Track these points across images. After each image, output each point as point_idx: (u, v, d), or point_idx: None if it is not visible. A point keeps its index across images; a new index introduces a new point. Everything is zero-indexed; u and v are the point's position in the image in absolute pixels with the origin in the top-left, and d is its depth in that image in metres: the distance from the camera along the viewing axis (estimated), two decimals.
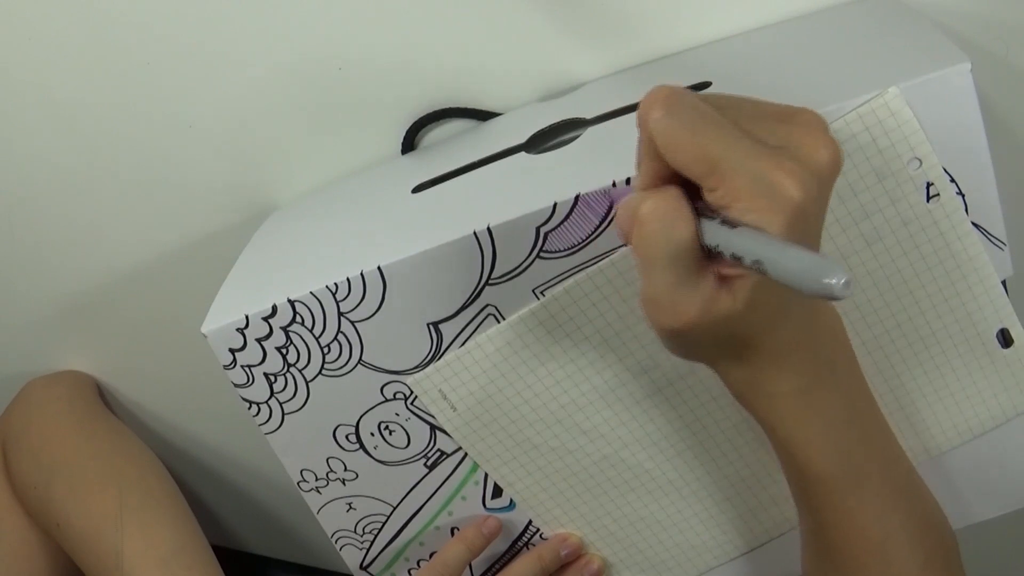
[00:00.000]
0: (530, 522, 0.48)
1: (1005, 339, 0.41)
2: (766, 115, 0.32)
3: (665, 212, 0.30)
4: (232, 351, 0.43)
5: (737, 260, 0.29)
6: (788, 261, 0.27)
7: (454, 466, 0.47)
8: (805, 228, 0.30)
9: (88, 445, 0.57)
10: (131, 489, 0.55)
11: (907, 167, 0.38)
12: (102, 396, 0.62)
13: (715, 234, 0.30)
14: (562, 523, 0.47)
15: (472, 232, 0.40)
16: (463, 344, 0.43)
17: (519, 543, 0.49)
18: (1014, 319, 0.41)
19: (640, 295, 0.33)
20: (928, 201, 0.38)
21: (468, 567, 0.49)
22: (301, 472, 0.47)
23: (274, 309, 0.42)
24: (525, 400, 0.44)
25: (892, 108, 0.37)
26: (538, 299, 0.42)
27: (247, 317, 0.43)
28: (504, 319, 0.42)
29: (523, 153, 0.47)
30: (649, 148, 0.31)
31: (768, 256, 0.28)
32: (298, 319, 0.43)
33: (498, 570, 0.49)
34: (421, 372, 0.44)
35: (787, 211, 0.29)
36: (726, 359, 0.34)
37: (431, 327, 0.43)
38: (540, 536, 0.48)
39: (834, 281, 0.26)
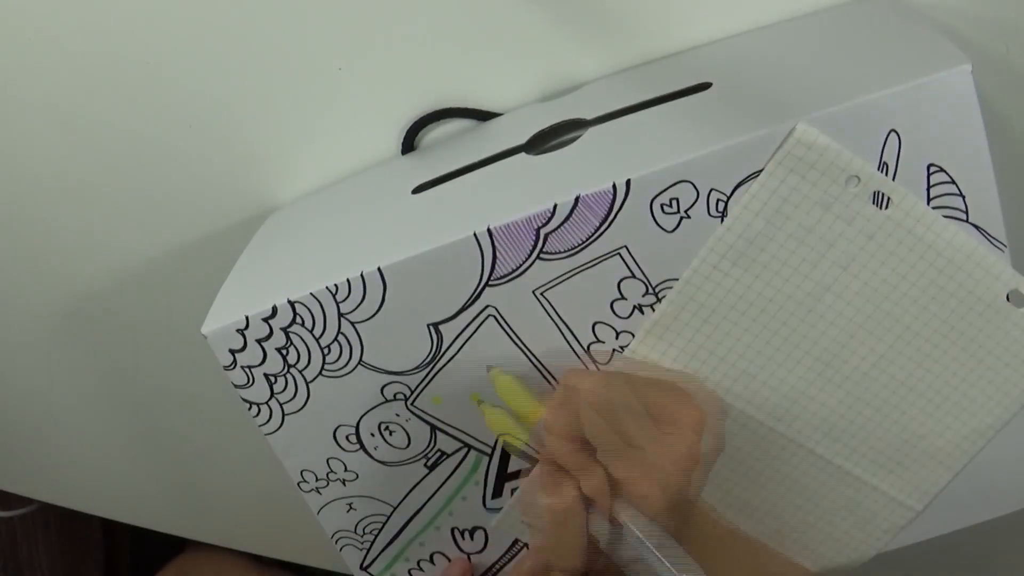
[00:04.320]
0: None
1: (1018, 301, 0.41)
2: (655, 403, 0.40)
3: (568, 507, 0.38)
4: (232, 352, 0.43)
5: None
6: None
7: (454, 466, 0.47)
8: (679, 504, 0.38)
9: None
10: None
11: (847, 188, 0.38)
12: None
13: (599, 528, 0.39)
14: None
15: (472, 233, 0.40)
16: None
17: (518, 543, 0.49)
18: (1020, 278, 0.41)
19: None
20: (883, 209, 0.39)
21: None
22: (301, 473, 0.47)
23: (274, 310, 0.42)
24: None
25: (806, 142, 0.38)
26: (538, 301, 0.42)
27: (247, 318, 0.43)
28: (505, 321, 0.42)
29: (523, 154, 0.47)
30: (568, 419, 0.39)
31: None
32: (298, 320, 0.43)
33: (498, 570, 0.50)
34: (500, 516, 0.47)
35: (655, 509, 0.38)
36: None
37: (431, 328, 0.43)
38: None
39: None
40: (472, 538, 0.49)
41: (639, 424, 0.39)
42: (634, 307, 0.42)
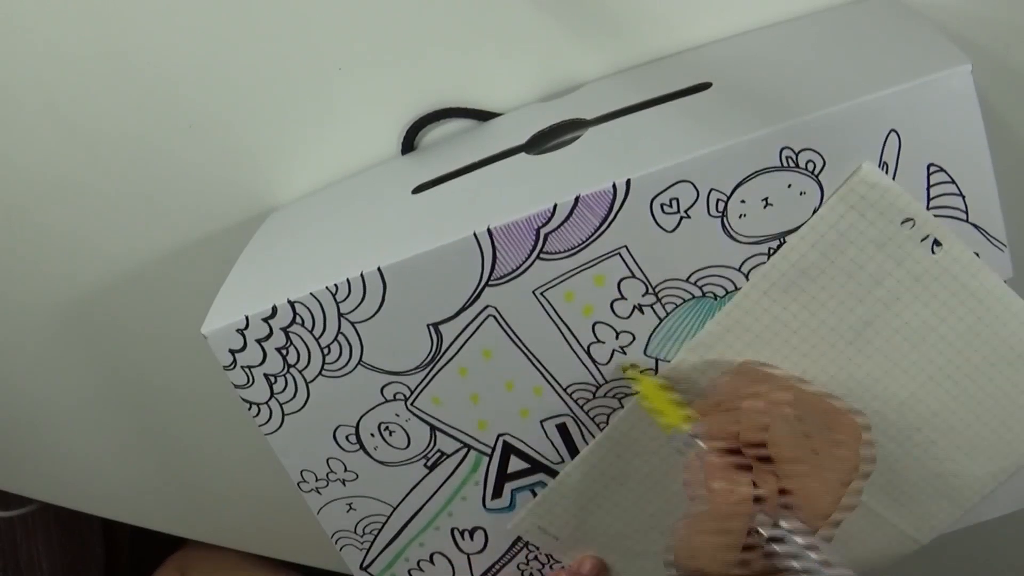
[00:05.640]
0: None
1: None
2: (821, 416, 0.40)
3: (742, 500, 0.37)
4: (232, 352, 0.43)
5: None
6: None
7: (454, 466, 0.47)
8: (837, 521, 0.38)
9: None
10: None
11: (901, 229, 0.39)
12: None
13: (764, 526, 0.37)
14: None
15: (472, 233, 0.40)
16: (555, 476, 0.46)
17: (518, 543, 0.49)
18: None
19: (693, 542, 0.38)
20: (933, 253, 0.39)
21: (468, 568, 0.49)
22: (301, 473, 0.47)
23: (274, 310, 0.42)
24: (618, 516, 0.46)
25: (869, 182, 0.38)
26: (538, 301, 0.42)
27: (247, 318, 0.43)
28: (505, 321, 0.42)
29: (523, 154, 0.47)
30: (753, 427, 0.38)
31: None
32: (298, 320, 0.43)
33: (498, 570, 0.50)
34: (518, 518, 0.47)
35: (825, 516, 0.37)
36: None
37: (431, 328, 0.43)
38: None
39: None
40: (472, 538, 0.49)
41: (820, 434, 0.39)
42: (634, 307, 0.42)
